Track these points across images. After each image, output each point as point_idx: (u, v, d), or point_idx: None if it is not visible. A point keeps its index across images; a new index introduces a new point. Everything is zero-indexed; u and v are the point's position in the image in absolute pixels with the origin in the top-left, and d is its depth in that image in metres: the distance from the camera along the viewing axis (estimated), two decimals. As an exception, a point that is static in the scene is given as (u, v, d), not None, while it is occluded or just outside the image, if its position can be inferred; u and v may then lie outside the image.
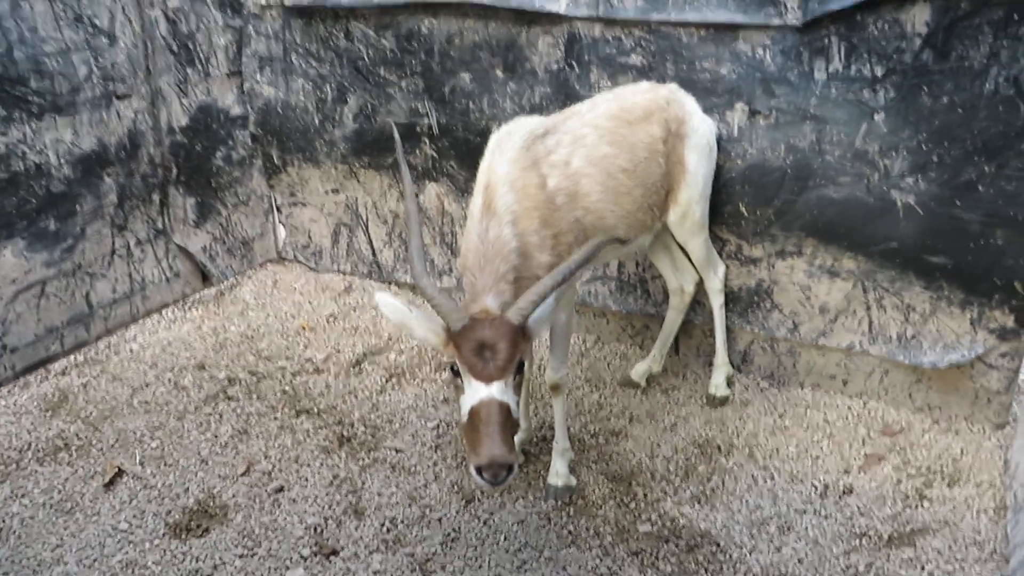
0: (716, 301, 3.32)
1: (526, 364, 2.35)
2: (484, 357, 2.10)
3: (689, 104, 3.08)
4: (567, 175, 2.60)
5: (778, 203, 3.22)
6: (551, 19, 3.44)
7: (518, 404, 2.19)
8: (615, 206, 2.75)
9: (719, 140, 3.22)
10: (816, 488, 2.83)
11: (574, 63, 3.47)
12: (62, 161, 3.56)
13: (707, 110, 3.22)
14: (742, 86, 3.16)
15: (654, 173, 2.90)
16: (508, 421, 2.11)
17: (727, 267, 3.37)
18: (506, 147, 2.54)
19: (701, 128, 3.05)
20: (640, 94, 2.99)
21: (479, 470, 2.05)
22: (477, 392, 2.11)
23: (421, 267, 2.27)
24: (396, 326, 2.49)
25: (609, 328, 3.82)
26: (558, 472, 2.84)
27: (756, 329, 3.43)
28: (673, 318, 3.42)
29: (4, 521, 2.72)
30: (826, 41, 2.96)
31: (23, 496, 2.84)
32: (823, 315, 3.28)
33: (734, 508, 2.75)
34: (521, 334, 2.18)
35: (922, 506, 2.73)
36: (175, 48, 4.01)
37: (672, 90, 3.09)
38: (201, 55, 4.15)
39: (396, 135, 2.83)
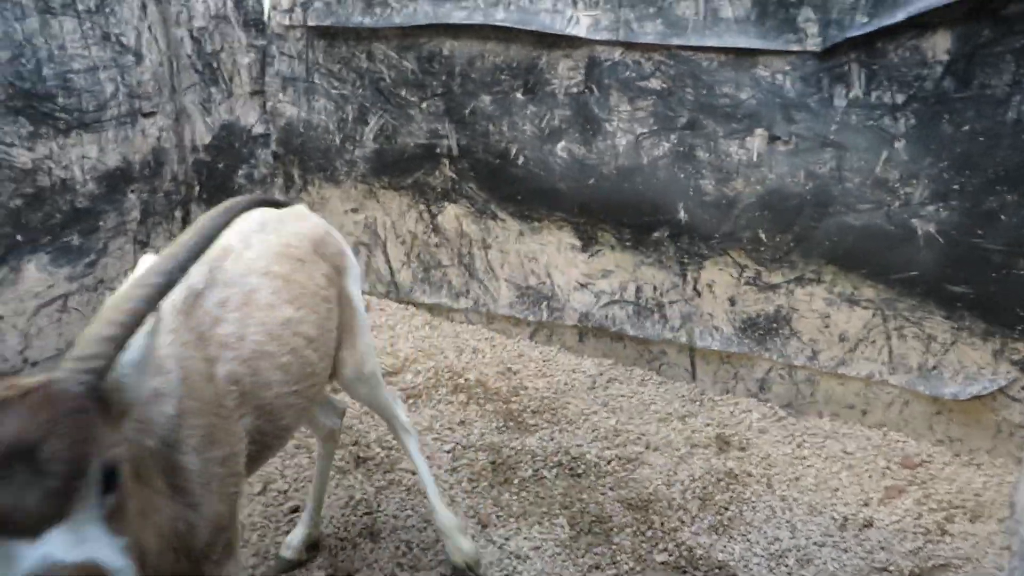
0: (411, 441, 2.64)
1: (126, 471, 1.21)
2: (7, 485, 1.04)
3: (334, 229, 2.40)
4: (242, 359, 1.75)
5: (797, 229, 3.21)
6: (571, 42, 3.46)
7: (141, 543, 1.23)
8: (297, 395, 1.91)
9: (739, 166, 3.23)
10: (835, 520, 2.80)
11: (594, 86, 3.48)
12: (87, 177, 3.60)
13: (727, 136, 3.23)
14: (762, 112, 3.16)
15: (333, 331, 2.15)
16: None
17: (746, 291, 3.36)
18: (164, 311, 1.42)
19: (351, 255, 2.38)
20: (296, 221, 2.20)
21: None
22: (15, 563, 1.03)
23: None
24: None
25: (626, 352, 3.81)
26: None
27: (774, 356, 3.41)
28: (325, 467, 2.66)
29: (21, 536, 2.73)
30: (846, 67, 2.97)
31: (41, 511, 2.85)
32: (842, 343, 3.25)
33: (752, 539, 2.72)
34: (93, 408, 1.15)
35: (944, 541, 2.69)
36: (199, 67, 4.06)
37: (312, 215, 2.36)
38: (225, 74, 4.20)
39: None
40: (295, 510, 2.86)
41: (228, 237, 1.84)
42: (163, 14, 3.84)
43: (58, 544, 1.04)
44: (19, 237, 3.36)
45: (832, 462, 3.10)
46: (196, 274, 1.72)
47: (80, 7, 3.46)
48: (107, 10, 3.58)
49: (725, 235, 3.36)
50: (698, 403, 3.52)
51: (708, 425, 3.35)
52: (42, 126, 3.38)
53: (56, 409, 1.10)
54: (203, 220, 1.41)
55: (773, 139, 3.16)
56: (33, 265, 3.44)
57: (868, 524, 2.77)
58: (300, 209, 2.32)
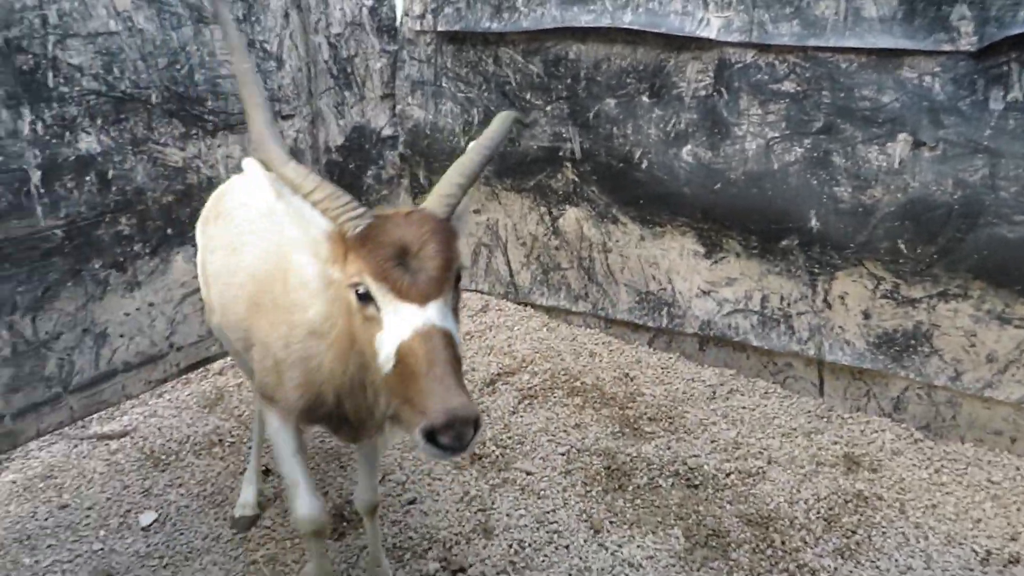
0: None
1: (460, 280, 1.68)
2: (411, 267, 1.50)
3: None
4: None
5: (942, 241, 3.01)
6: (701, 44, 3.39)
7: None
8: None
9: (879, 173, 3.07)
10: (976, 553, 2.60)
11: (723, 89, 3.40)
12: (231, 175, 3.82)
13: (866, 141, 3.07)
14: (906, 116, 2.99)
15: None
16: (458, 359, 1.52)
17: (882, 305, 3.18)
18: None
19: None
20: None
21: (433, 433, 1.40)
22: (408, 320, 1.48)
23: (276, 142, 1.66)
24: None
25: (749, 363, 3.69)
26: None
27: (911, 375, 3.21)
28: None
29: (162, 508, 2.92)
30: (1005, 68, 2.76)
31: (180, 486, 3.05)
32: (990, 364, 3.02)
33: (881, 566, 2.56)
34: (453, 232, 1.63)
35: (1103, 585, 2.45)
36: (335, 72, 4.24)
37: None
38: (358, 78, 4.37)
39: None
40: (412, 501, 2.93)
41: (251, 199, 2.33)
42: (303, 22, 4.03)
43: (435, 313, 1.49)
44: (169, 231, 3.60)
45: (975, 491, 2.88)
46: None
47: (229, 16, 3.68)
48: (253, 19, 3.79)
49: (860, 245, 3.20)
50: (825, 419, 3.36)
51: (836, 443, 3.19)
52: (193, 127, 3.62)
53: (433, 223, 1.56)
54: (499, 119, 1.89)
55: (918, 144, 2.98)
56: (181, 257, 3.68)
57: (1015, 560, 2.56)
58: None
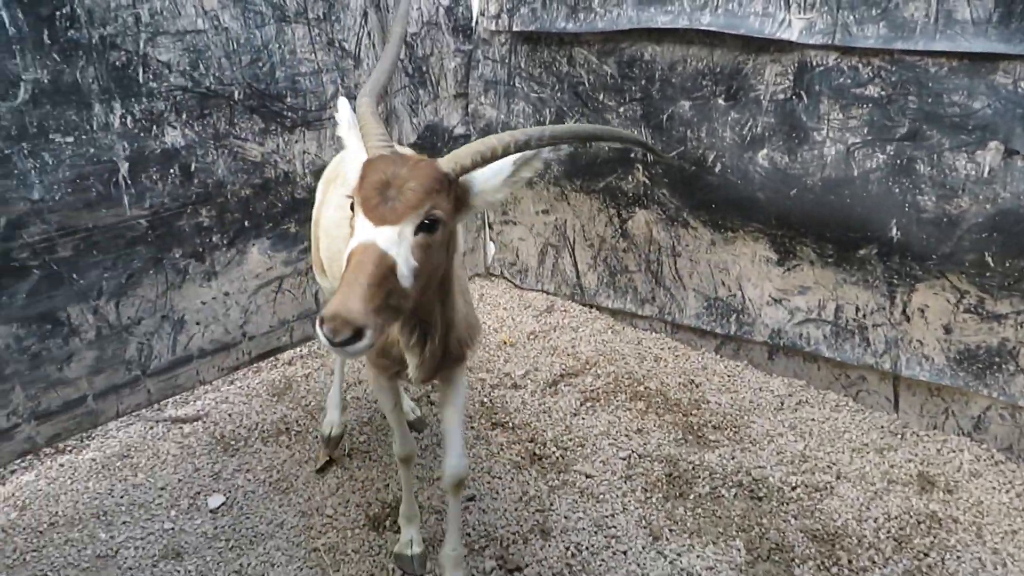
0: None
1: (441, 232, 1.78)
2: (384, 194, 1.69)
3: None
4: None
5: (1034, 255, 2.86)
6: (781, 47, 3.30)
7: (417, 274, 1.73)
8: None
9: (966, 182, 2.93)
10: (1060, 585, 2.47)
11: (803, 93, 3.30)
12: (306, 171, 3.92)
13: (953, 148, 2.94)
14: (998, 122, 2.85)
15: None
16: (385, 280, 1.65)
17: (965, 319, 3.04)
18: None
19: None
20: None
21: (321, 321, 1.59)
22: (362, 233, 1.69)
23: (372, 87, 2.02)
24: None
25: (820, 375, 3.58)
26: None
27: (994, 394, 3.06)
28: None
29: (230, 492, 3.02)
30: (1109, 75, 2.61)
31: (248, 471, 3.14)
32: (1082, 386, 2.86)
33: (955, 592, 2.46)
34: (447, 186, 1.75)
35: None
36: (410, 70, 4.30)
37: None
38: (433, 77, 4.42)
39: None
40: (471, 499, 2.94)
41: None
42: (381, 21, 4.10)
43: (384, 236, 1.67)
44: (246, 223, 3.72)
45: (1060, 519, 2.74)
46: None
47: (311, 15, 3.77)
48: (333, 18, 3.87)
49: (944, 257, 3.07)
50: (899, 436, 3.23)
51: (910, 461, 3.07)
52: (272, 123, 3.72)
53: (426, 170, 1.72)
54: (583, 125, 1.96)
55: (1010, 153, 2.84)
56: (256, 249, 3.79)
57: (1103, 596, 2.42)
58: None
